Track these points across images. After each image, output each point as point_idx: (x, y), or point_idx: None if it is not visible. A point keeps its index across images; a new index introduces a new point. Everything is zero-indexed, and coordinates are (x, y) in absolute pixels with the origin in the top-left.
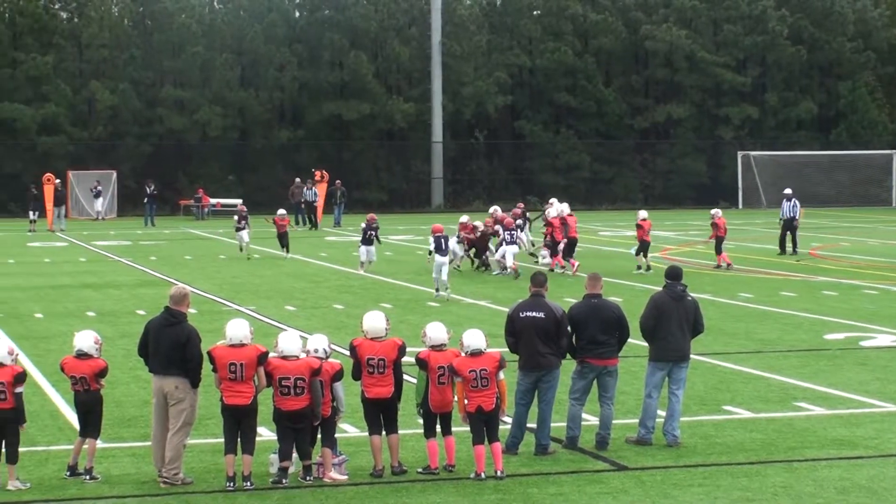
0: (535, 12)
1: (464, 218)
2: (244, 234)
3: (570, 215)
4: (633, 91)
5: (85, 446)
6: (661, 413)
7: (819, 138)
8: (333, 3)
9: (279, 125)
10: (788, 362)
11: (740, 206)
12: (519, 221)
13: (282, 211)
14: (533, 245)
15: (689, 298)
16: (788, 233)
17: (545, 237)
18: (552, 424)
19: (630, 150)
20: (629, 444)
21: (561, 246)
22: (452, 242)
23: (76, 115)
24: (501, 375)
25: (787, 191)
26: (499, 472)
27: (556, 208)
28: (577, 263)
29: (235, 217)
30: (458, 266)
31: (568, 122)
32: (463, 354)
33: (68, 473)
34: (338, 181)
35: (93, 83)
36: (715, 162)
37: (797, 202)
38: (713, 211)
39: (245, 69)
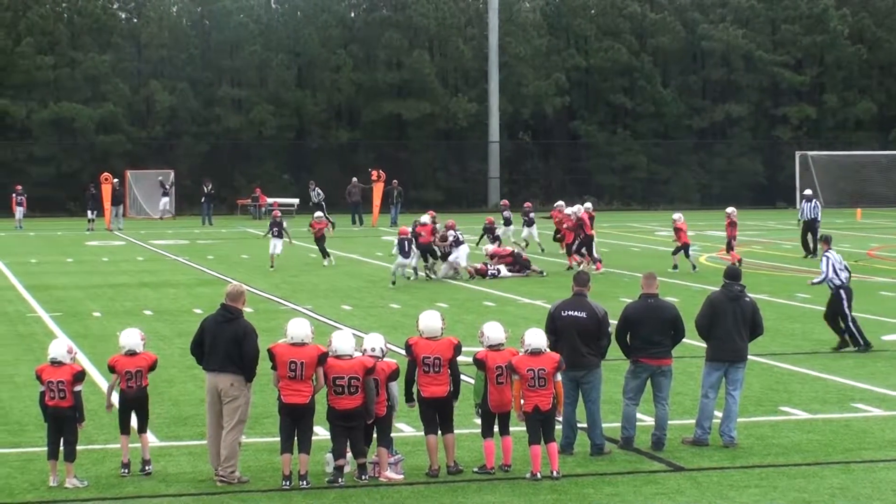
0: (591, 11)
1: (424, 218)
2: (279, 243)
3: (587, 213)
4: (690, 91)
5: (133, 444)
6: (718, 414)
7: (878, 138)
8: (392, 2)
9: (336, 125)
10: (845, 363)
11: (798, 207)
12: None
13: (318, 214)
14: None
15: (747, 299)
16: (810, 234)
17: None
18: (608, 425)
19: (687, 151)
20: (685, 444)
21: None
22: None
23: (134, 114)
24: (559, 377)
25: (807, 192)
26: (555, 473)
27: (578, 208)
28: (601, 266)
29: (269, 224)
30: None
31: (624, 122)
32: (521, 353)
33: (125, 471)
34: (394, 181)
35: (152, 83)
36: (772, 162)
37: (818, 203)
38: (729, 210)
39: (301, 69)
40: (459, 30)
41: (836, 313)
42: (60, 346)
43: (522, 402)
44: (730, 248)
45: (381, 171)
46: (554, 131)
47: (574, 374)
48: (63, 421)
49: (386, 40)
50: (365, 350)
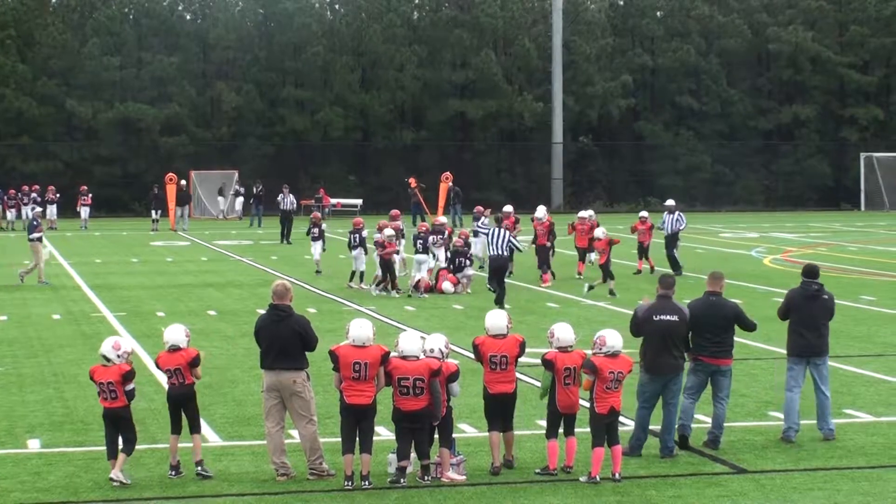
0: (658, 12)
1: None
2: (318, 246)
3: (539, 221)
4: (756, 92)
5: (179, 444)
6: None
7: None
8: (458, 2)
9: (400, 126)
10: None
11: (863, 209)
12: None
13: (390, 231)
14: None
15: (825, 297)
16: (675, 249)
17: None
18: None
19: (753, 152)
20: (783, 442)
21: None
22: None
23: (199, 115)
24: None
25: (670, 202)
26: (616, 475)
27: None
28: (549, 278)
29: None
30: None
31: (689, 123)
32: (593, 353)
33: (172, 473)
34: (443, 179)
35: (218, 84)
36: (839, 163)
37: (682, 215)
38: (642, 214)
39: (365, 69)
40: (526, 29)
41: None
42: (108, 343)
43: (595, 402)
44: (645, 254)
45: (418, 181)
46: (618, 132)
47: (663, 379)
48: (118, 420)
49: (453, 39)
50: (426, 350)
